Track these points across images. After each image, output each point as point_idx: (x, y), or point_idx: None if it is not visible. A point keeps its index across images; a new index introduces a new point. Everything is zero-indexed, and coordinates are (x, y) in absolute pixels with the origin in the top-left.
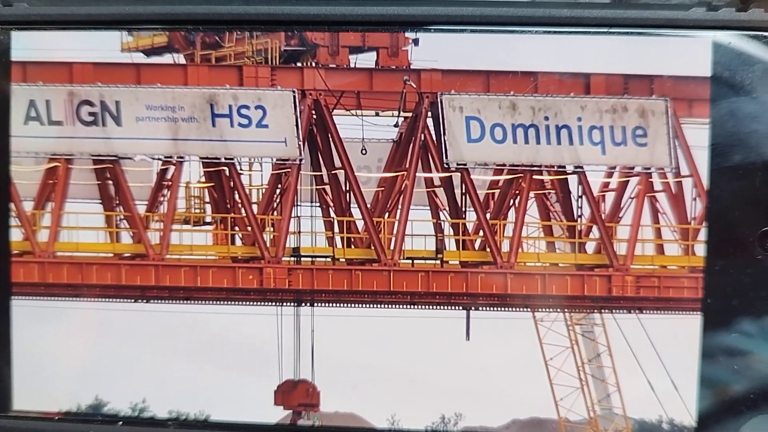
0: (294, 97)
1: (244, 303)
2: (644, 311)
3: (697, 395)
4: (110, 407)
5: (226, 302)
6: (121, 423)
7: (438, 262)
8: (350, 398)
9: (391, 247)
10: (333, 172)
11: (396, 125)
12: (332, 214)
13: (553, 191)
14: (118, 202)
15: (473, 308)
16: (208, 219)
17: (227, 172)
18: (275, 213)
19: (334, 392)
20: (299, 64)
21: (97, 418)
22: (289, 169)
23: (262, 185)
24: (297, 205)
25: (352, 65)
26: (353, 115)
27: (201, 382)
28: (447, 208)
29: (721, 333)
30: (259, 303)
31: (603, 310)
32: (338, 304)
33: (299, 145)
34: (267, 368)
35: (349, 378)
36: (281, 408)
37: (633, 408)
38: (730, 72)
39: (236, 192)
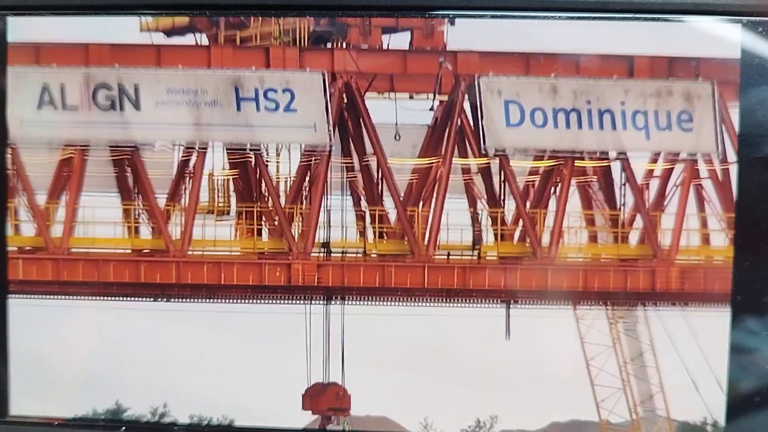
0: (324, 79)
1: (270, 301)
2: (689, 305)
3: (726, 390)
4: (131, 413)
5: (251, 300)
6: (124, 428)
7: (475, 255)
8: (382, 401)
9: (426, 241)
10: (365, 160)
11: (431, 109)
12: (364, 205)
13: (596, 179)
14: (136, 193)
15: (512, 304)
16: (233, 211)
17: (253, 161)
18: (304, 204)
19: (366, 395)
20: (329, 46)
21: (99, 423)
22: (318, 158)
23: (289, 175)
24: (327, 196)
25: (384, 47)
26: (386, 98)
27: (224, 386)
28: (485, 198)
29: (752, 330)
30: (286, 301)
31: (646, 305)
32: (370, 301)
33: (329, 130)
34: (294, 370)
35: (382, 380)
36: (309, 413)
37: (677, 409)
38: (760, 59)
39: (262, 182)
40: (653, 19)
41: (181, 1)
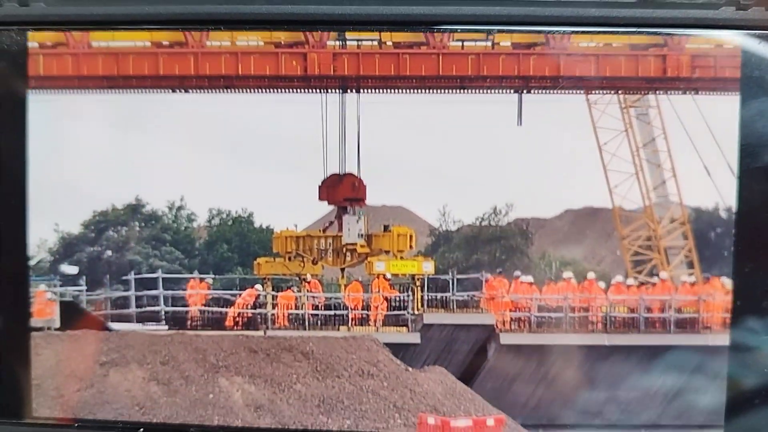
0: None
1: (287, 91)
2: (700, 92)
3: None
4: (149, 208)
5: (268, 91)
6: (141, 430)
7: (489, 43)
8: (398, 191)
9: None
10: None
11: None
12: None
13: None
14: None
15: (525, 91)
16: None
17: None
18: None
19: (382, 185)
20: None
21: (118, 425)
22: None
23: None
24: None
25: None
26: None
27: (242, 177)
28: None
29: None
30: (302, 90)
31: (657, 92)
32: (385, 91)
33: None
34: (311, 161)
35: (397, 169)
36: (326, 203)
37: (689, 194)
38: (760, 71)
39: None
40: (657, 33)
41: (198, 16)
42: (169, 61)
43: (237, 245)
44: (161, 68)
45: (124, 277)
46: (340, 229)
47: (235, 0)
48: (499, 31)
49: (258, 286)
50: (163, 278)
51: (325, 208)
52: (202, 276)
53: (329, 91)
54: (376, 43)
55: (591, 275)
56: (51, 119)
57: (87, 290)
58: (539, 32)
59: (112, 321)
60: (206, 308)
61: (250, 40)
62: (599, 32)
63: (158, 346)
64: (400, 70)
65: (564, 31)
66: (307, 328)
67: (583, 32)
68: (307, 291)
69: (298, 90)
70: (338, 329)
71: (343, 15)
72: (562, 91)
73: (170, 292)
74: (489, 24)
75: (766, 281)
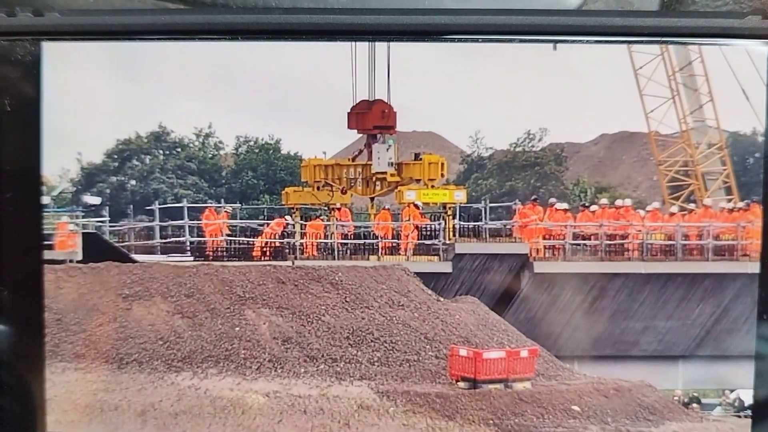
0: None
1: None
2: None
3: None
4: (174, 136)
5: None
6: None
7: None
8: (429, 117)
9: None
10: None
11: None
12: None
13: None
14: None
15: None
16: None
17: None
18: None
19: (412, 111)
20: None
21: None
22: None
23: None
24: None
25: None
26: None
27: (269, 104)
28: None
29: None
30: None
31: None
32: None
33: None
34: (340, 88)
35: (428, 95)
36: (355, 132)
37: (727, 119)
38: None
39: None
40: (681, 43)
41: (215, 26)
42: None
43: (263, 173)
44: None
45: (148, 207)
46: (370, 157)
47: (252, 10)
48: (521, 41)
49: (287, 216)
50: (188, 208)
51: (354, 136)
52: (220, 205)
53: None
54: None
55: (627, 202)
56: (65, 58)
57: (110, 221)
58: (563, 41)
59: (135, 252)
60: (233, 238)
61: None
62: (623, 41)
63: (183, 278)
64: None
65: (588, 40)
66: (336, 257)
67: (606, 41)
68: (337, 219)
69: None
70: (368, 258)
71: (363, 25)
72: None
73: (196, 222)
74: (511, 33)
75: None
